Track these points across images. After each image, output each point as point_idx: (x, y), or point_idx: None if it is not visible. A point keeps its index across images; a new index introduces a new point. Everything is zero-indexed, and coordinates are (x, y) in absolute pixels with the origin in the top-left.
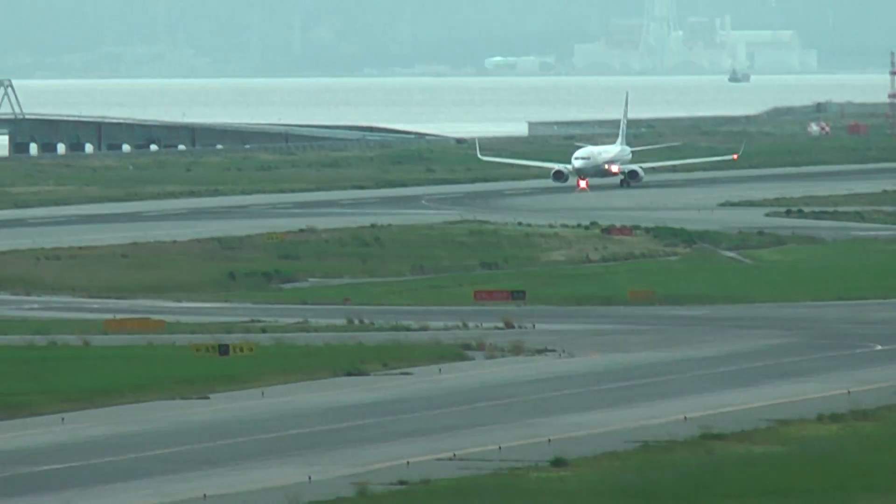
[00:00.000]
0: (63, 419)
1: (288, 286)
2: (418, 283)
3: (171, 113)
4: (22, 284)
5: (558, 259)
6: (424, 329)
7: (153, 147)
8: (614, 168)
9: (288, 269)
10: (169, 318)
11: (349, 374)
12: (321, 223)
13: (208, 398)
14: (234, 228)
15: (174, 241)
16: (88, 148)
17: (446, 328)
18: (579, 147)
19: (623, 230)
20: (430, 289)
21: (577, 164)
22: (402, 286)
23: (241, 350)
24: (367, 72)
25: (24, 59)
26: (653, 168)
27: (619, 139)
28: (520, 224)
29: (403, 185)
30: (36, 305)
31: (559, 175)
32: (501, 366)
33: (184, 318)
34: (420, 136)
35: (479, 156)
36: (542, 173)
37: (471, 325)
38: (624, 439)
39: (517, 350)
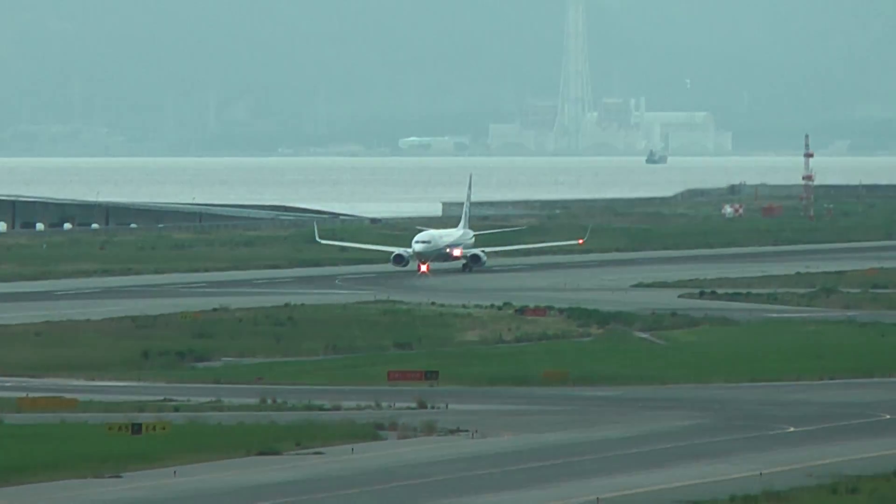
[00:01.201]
0: None
1: (201, 365)
2: (332, 362)
3: (86, 192)
4: None
5: (472, 339)
6: (337, 409)
7: (67, 225)
8: (456, 252)
9: (201, 348)
10: (82, 397)
11: (262, 454)
12: (235, 302)
13: (121, 477)
14: (148, 307)
15: (88, 320)
16: (2, 226)
17: (359, 408)
18: (420, 230)
19: (537, 311)
20: (343, 368)
21: (417, 247)
22: (315, 365)
23: (154, 429)
24: (282, 151)
25: None
26: (496, 252)
27: (462, 222)
28: (433, 304)
29: (318, 264)
30: None
31: (399, 259)
32: (414, 446)
33: (97, 397)
34: (335, 215)
35: (317, 239)
36: (382, 257)
37: (384, 404)
38: None
39: (430, 430)
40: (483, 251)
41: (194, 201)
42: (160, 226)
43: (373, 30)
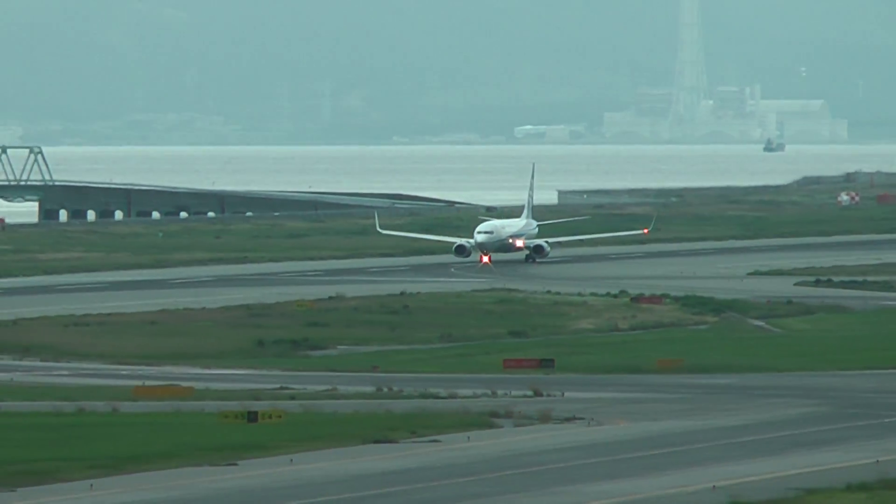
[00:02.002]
0: (92, 486)
1: (316, 354)
2: (447, 350)
3: (201, 180)
4: (50, 351)
5: (587, 327)
6: (453, 397)
7: (182, 214)
8: (519, 242)
9: (316, 336)
10: (197, 385)
11: (377, 442)
12: (350, 291)
13: (236, 465)
14: (262, 296)
15: (203, 309)
16: (118, 215)
17: (475, 396)
18: (484, 220)
19: (652, 299)
20: (458, 356)
21: (479, 238)
22: (430, 354)
23: (270, 417)
24: (397, 140)
25: (53, 125)
26: (559, 242)
27: (525, 212)
28: (548, 292)
29: (433, 252)
30: (64, 372)
31: (461, 250)
32: (530, 434)
33: (212, 385)
34: (450, 204)
35: (378, 230)
36: (444, 248)
37: (499, 392)
38: None
39: (545, 418)
40: (547, 241)
41: (309, 190)
42: (275, 214)
43: (488, 18)
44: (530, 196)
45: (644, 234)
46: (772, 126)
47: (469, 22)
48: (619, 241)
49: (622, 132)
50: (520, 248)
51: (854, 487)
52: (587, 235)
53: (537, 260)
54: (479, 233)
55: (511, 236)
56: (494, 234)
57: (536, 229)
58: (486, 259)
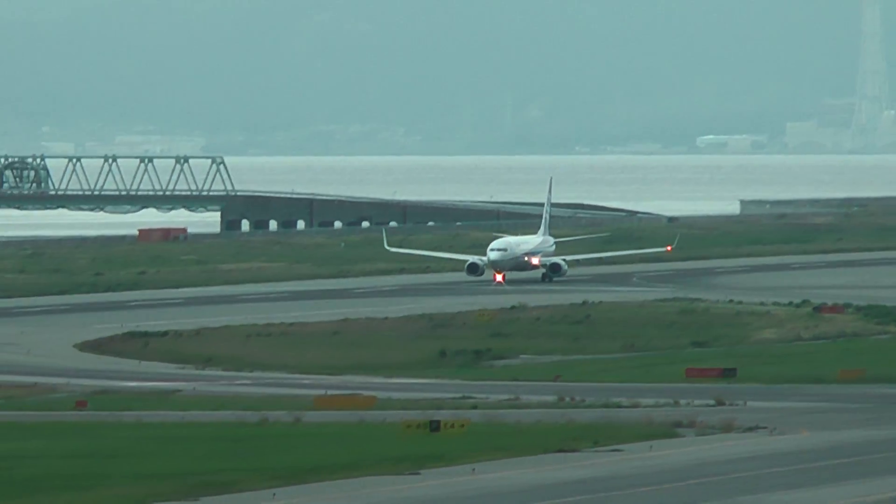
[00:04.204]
0: (274, 495)
1: (499, 363)
2: (629, 360)
3: (383, 191)
4: (233, 361)
5: (769, 337)
6: (635, 406)
7: (364, 224)
8: (535, 260)
9: (499, 346)
10: (380, 395)
11: (560, 451)
12: (532, 301)
13: (419, 475)
14: (445, 306)
15: (385, 319)
16: (300, 225)
17: (657, 406)
18: (497, 237)
19: (834, 308)
20: (641, 366)
21: (492, 255)
22: (613, 364)
23: (453, 427)
24: (578, 150)
25: (236, 136)
26: (577, 260)
27: (542, 228)
28: (731, 302)
29: (614, 262)
30: (247, 382)
31: (474, 268)
32: (712, 443)
33: (395, 395)
34: (631, 213)
35: (385, 246)
36: (455, 266)
37: (682, 402)
38: None
39: (728, 428)
40: (564, 259)
41: (491, 199)
42: (457, 224)
43: (669, 28)
44: (547, 211)
45: (667, 251)
46: None
47: (651, 32)
48: (640, 259)
49: (804, 142)
50: (535, 267)
51: None
52: (606, 254)
53: (554, 279)
54: (492, 250)
55: (526, 254)
56: (508, 252)
57: (554, 247)
58: (499, 278)
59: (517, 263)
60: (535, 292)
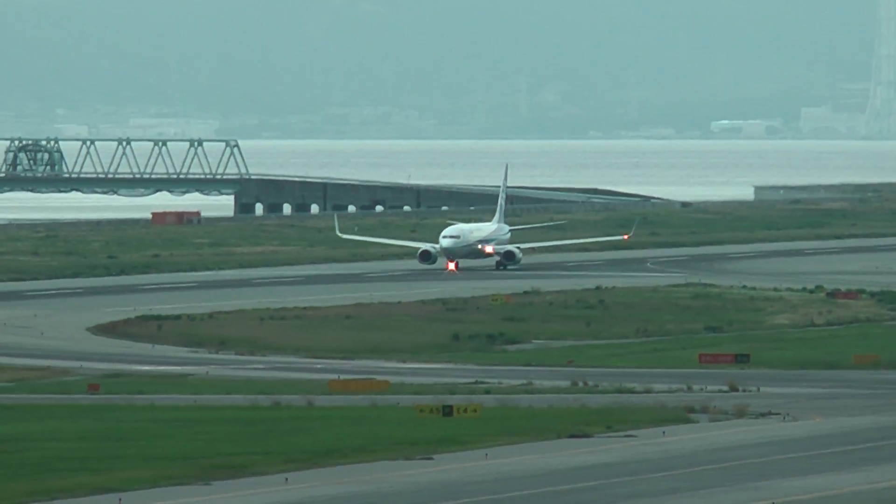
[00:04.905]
0: (287, 479)
1: (512, 348)
2: (642, 345)
3: (397, 174)
4: (247, 344)
5: (783, 323)
6: (648, 392)
7: (378, 208)
8: (488, 248)
9: (512, 331)
10: (393, 379)
11: (572, 437)
12: (546, 285)
13: (432, 459)
14: (458, 290)
15: (398, 303)
16: (314, 208)
17: (670, 391)
18: (450, 224)
19: (848, 294)
20: (654, 351)
21: (444, 243)
22: (626, 348)
23: (465, 411)
24: (593, 134)
25: (250, 119)
26: (532, 248)
27: (497, 216)
28: (744, 287)
29: (628, 247)
30: (260, 366)
31: (426, 256)
32: (725, 429)
33: (408, 379)
34: (645, 199)
35: (337, 233)
36: (407, 252)
37: (695, 387)
38: (849, 503)
39: (741, 413)
40: (518, 247)
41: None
42: (471, 208)
43: (684, 13)
44: (502, 198)
45: (624, 239)
46: None
47: (666, 16)
48: (598, 247)
49: (819, 127)
50: (489, 255)
51: None
52: (562, 241)
53: (508, 267)
54: (444, 237)
55: (480, 241)
56: (461, 239)
57: (509, 234)
58: (451, 266)
59: (470, 251)
60: (554, 277)
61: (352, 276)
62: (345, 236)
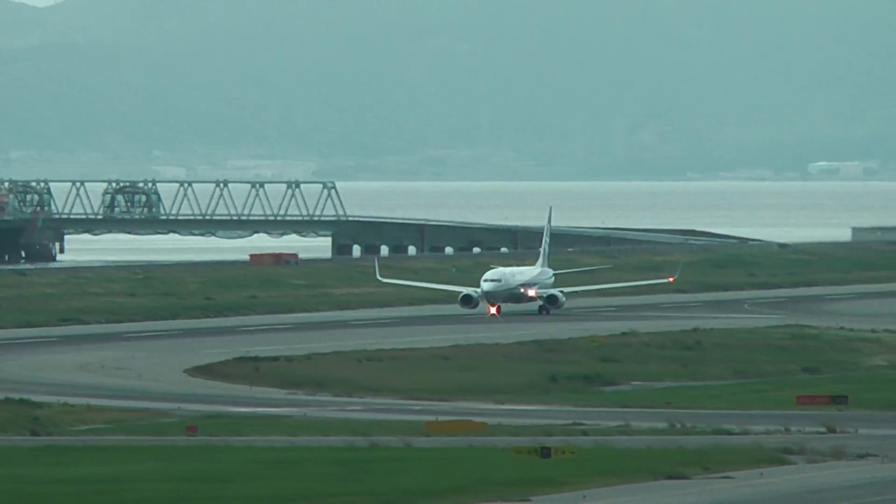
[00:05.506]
0: None
1: (609, 389)
2: (739, 386)
3: (494, 216)
4: (343, 386)
5: (881, 364)
6: (746, 433)
7: (476, 249)
8: (531, 292)
9: (609, 372)
10: (490, 420)
11: (670, 478)
12: (643, 326)
13: (529, 501)
14: (555, 331)
15: (495, 344)
16: (411, 250)
17: (768, 432)
18: (492, 268)
19: None
20: (751, 392)
21: (485, 287)
22: (722, 390)
23: (563, 453)
24: (690, 175)
25: (347, 161)
26: (575, 292)
27: (540, 259)
28: (842, 328)
29: (725, 289)
30: (357, 407)
31: (468, 300)
32: (823, 471)
33: (505, 420)
34: (742, 240)
35: (377, 277)
36: (448, 297)
37: (793, 429)
38: None
39: (838, 455)
40: (562, 291)
41: (603, 225)
42: (569, 250)
43: (782, 54)
44: (545, 242)
45: (669, 282)
46: None
47: (763, 57)
48: (641, 291)
49: None
50: (532, 299)
51: None
52: (608, 285)
53: (551, 311)
54: (485, 281)
55: (522, 285)
56: (503, 283)
57: (552, 278)
58: (493, 310)
59: (511, 294)
60: (651, 318)
61: (449, 318)
62: (385, 280)
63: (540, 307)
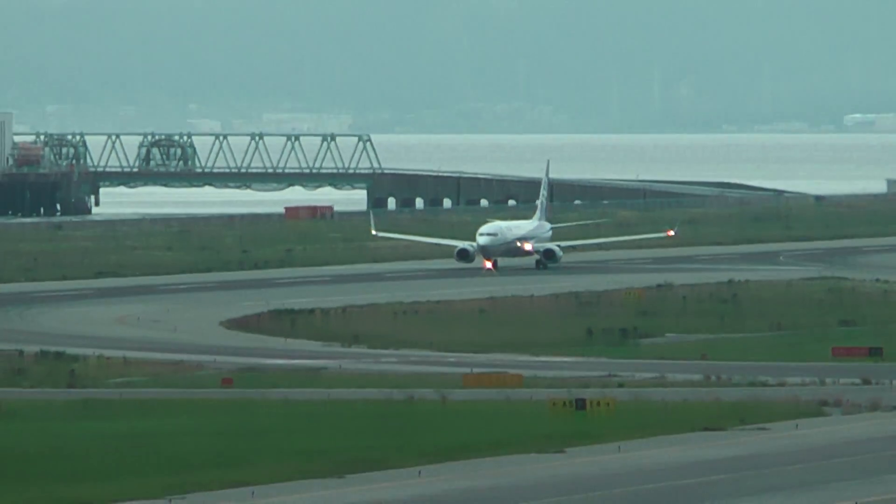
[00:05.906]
0: (420, 473)
1: (645, 342)
2: (776, 339)
3: (530, 169)
4: (379, 339)
5: None
6: (782, 385)
7: (511, 203)
8: (528, 246)
9: (645, 325)
10: (526, 373)
11: (706, 430)
12: (679, 279)
13: (564, 453)
14: (591, 284)
15: (531, 297)
16: (447, 203)
17: (803, 384)
18: (487, 221)
19: None
20: (787, 345)
21: (481, 240)
22: (759, 342)
23: (598, 405)
24: (726, 129)
25: (383, 114)
26: (573, 246)
27: (538, 213)
28: (878, 281)
29: (761, 241)
30: (394, 360)
31: (464, 254)
32: (859, 422)
33: (541, 373)
34: (778, 192)
35: (373, 232)
36: (444, 252)
37: (828, 381)
38: None
39: (874, 407)
40: (559, 245)
41: (638, 178)
42: (604, 203)
43: (818, 6)
44: (543, 195)
45: (668, 236)
46: None
47: (799, 9)
48: (639, 245)
49: None
50: (529, 253)
51: None
52: (604, 239)
53: (549, 266)
54: (481, 235)
55: (518, 239)
56: (499, 237)
57: (550, 232)
58: (489, 265)
59: (508, 249)
60: (687, 271)
61: (485, 271)
62: (381, 234)
63: (537, 262)
